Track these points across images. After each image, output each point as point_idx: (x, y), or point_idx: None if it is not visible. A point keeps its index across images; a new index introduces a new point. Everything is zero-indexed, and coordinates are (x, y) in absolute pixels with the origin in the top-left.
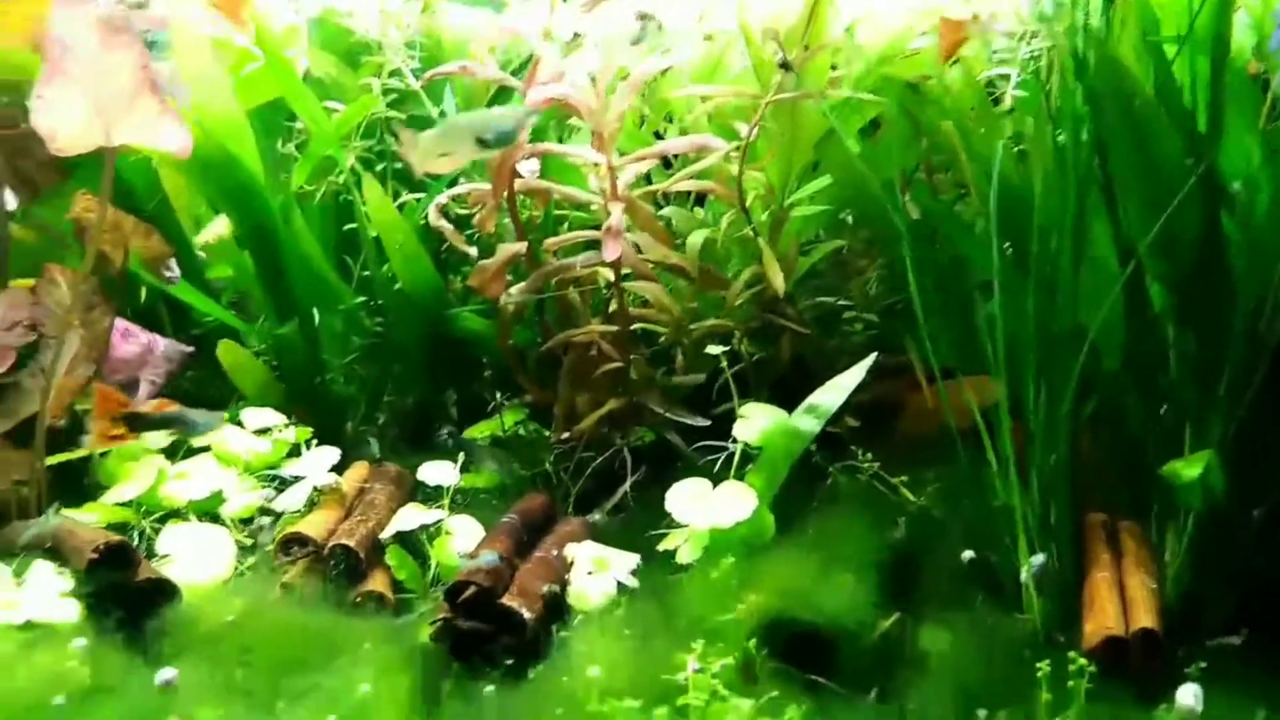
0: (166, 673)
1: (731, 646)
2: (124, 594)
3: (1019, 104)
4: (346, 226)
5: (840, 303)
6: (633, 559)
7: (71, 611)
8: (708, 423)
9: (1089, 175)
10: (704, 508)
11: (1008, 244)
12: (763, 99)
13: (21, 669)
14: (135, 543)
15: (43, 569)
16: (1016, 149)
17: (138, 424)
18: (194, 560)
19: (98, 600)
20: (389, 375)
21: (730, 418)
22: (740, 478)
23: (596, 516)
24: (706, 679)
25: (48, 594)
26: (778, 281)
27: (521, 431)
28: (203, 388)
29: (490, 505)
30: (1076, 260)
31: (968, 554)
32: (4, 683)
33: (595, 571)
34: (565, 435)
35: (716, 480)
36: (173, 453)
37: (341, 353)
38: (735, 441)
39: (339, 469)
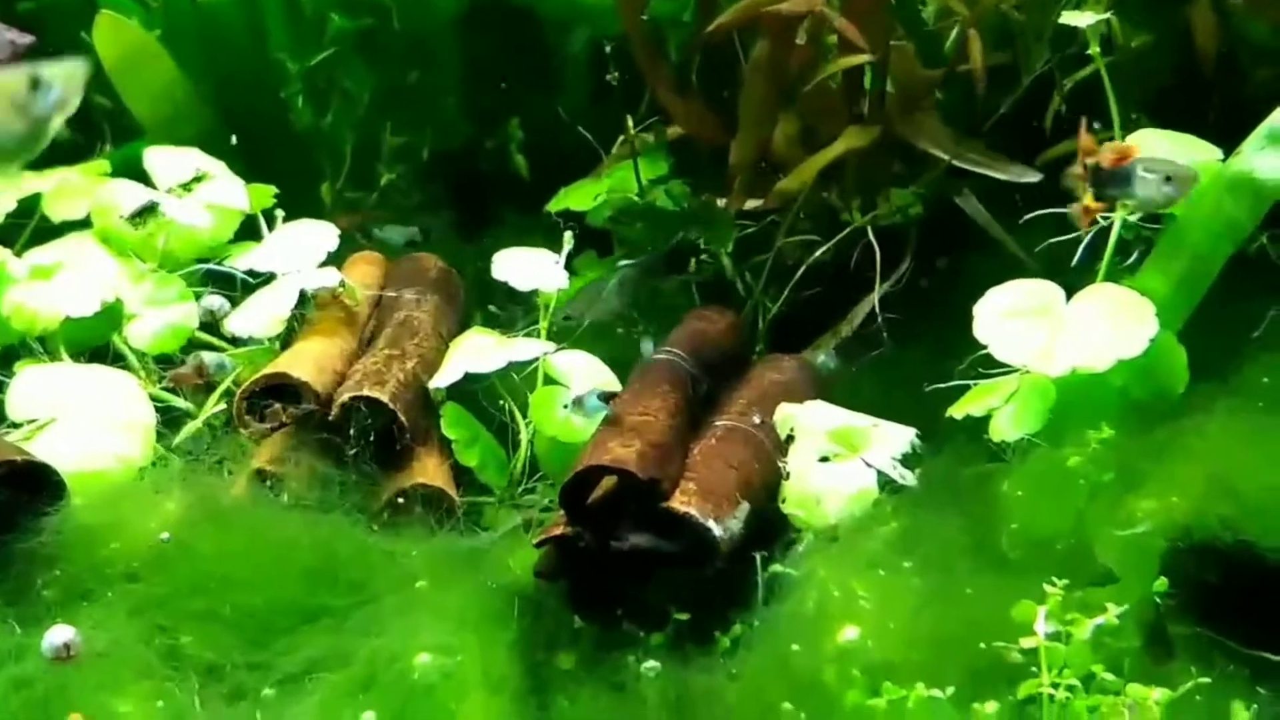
0: (57, 634)
1: (1116, 593)
2: None
3: None
4: None
5: None
6: (903, 433)
7: None
8: (1037, 178)
9: None
10: (1048, 334)
11: None
12: None
13: None
14: None
15: None
16: None
17: None
18: (83, 431)
19: None
20: (397, 93)
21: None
22: (1115, 277)
23: (821, 357)
24: (1072, 651)
25: None
26: None
27: (663, 197)
28: None
29: (613, 334)
30: None
31: None
32: None
33: (836, 456)
34: (752, 204)
35: (1067, 283)
36: (9, 232)
37: (307, 50)
38: (1111, 207)
39: (335, 262)
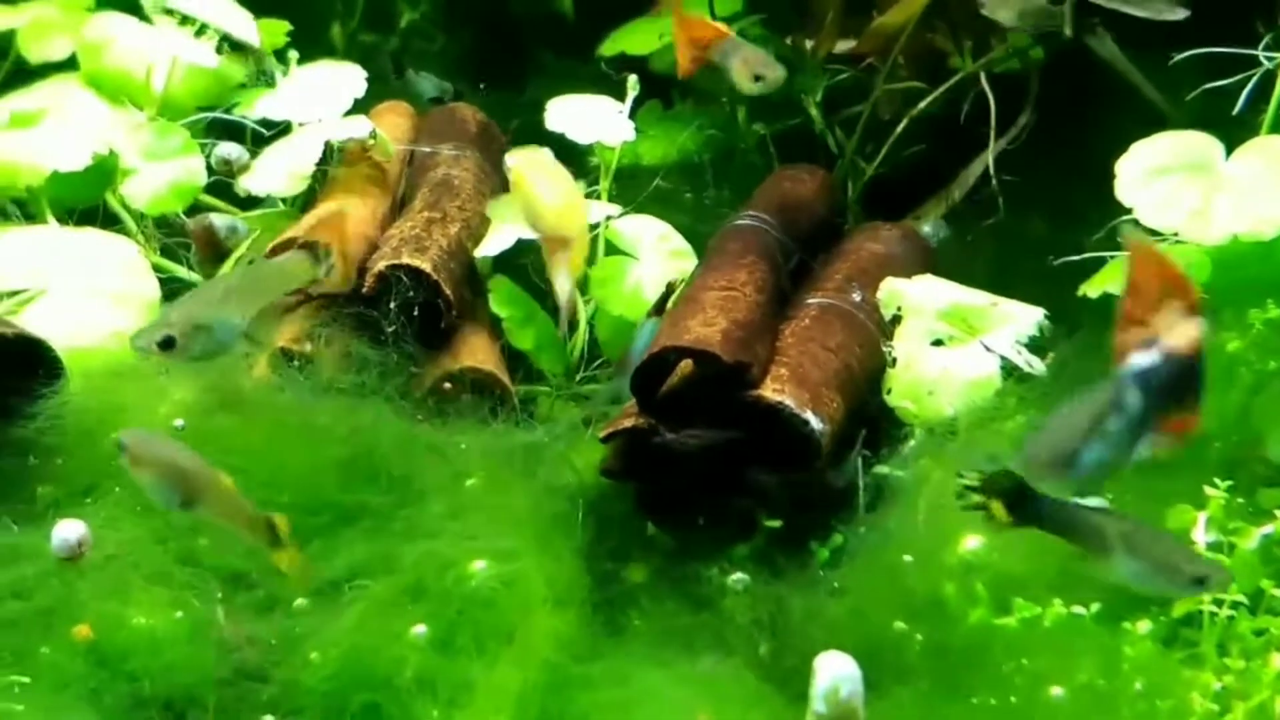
0: (69, 529)
1: None
2: None
3: None
4: None
5: None
6: (1030, 313)
7: None
8: (1184, 14)
9: None
10: (1203, 196)
11: None
12: None
13: None
14: None
15: None
16: None
17: None
18: (74, 304)
19: None
20: None
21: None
22: None
23: (928, 225)
24: (1237, 563)
25: None
26: None
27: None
28: None
29: (680, 198)
30: None
31: None
32: None
33: (951, 339)
34: (843, 47)
35: (1225, 137)
36: None
37: None
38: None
39: (362, 109)
